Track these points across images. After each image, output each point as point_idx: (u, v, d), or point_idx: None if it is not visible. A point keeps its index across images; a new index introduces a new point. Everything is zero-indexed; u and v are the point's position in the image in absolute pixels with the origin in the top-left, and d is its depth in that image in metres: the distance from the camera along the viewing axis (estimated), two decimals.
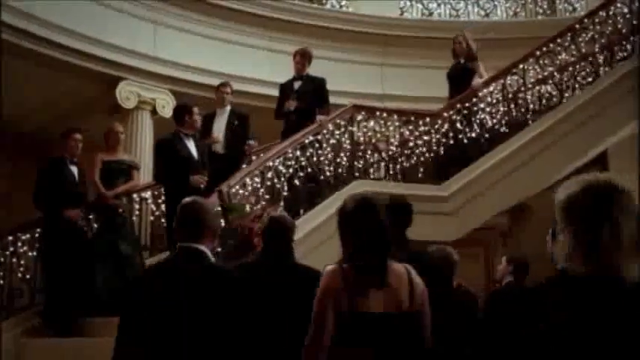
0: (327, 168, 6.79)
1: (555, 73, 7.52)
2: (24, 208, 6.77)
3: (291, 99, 7.00)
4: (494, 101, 7.45)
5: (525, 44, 7.97)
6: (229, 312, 2.47)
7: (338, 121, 6.99)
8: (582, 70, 7.52)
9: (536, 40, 7.87)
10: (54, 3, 7.69)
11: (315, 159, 6.69)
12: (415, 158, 7.16)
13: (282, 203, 6.27)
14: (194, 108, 6.47)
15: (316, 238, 5.88)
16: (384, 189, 6.16)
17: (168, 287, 2.53)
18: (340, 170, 6.85)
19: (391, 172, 7.14)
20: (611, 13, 7.64)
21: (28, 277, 6.40)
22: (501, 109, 7.43)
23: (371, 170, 7.10)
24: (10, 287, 6.35)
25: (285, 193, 6.40)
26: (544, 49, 7.58)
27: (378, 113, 7.28)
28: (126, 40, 8.42)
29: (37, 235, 6.43)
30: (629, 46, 7.53)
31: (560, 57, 7.58)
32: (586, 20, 7.73)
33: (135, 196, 7.06)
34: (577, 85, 7.47)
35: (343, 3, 10.44)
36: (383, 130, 7.23)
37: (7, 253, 6.40)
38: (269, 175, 6.32)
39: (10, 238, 6.44)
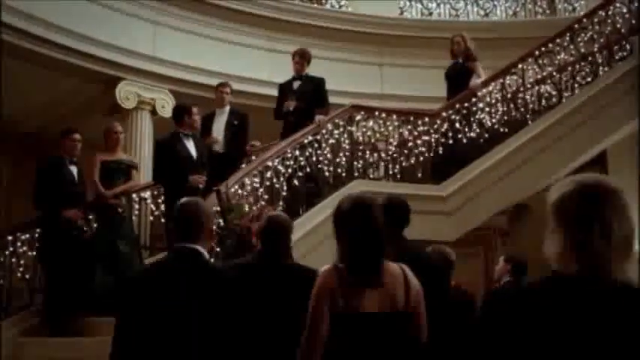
0: (326, 168, 6.80)
1: (554, 73, 7.53)
2: (24, 208, 6.78)
3: (290, 99, 7.00)
4: (494, 101, 7.45)
5: (524, 44, 7.97)
6: (224, 312, 2.48)
7: (337, 120, 6.99)
8: (581, 70, 7.53)
9: (535, 40, 7.87)
10: (54, 3, 7.68)
11: (314, 159, 6.70)
12: (414, 158, 7.16)
13: (281, 203, 6.28)
14: (193, 108, 6.49)
15: (315, 238, 5.86)
16: (383, 189, 6.14)
17: (164, 287, 2.54)
18: (339, 170, 6.85)
19: (390, 172, 7.14)
20: (610, 12, 7.64)
21: (27, 276, 6.41)
22: (500, 109, 7.43)
23: (370, 170, 7.11)
24: (10, 287, 6.36)
25: (284, 193, 6.42)
26: (543, 49, 7.59)
27: (377, 113, 7.28)
28: (125, 40, 8.41)
29: (36, 234, 6.44)
30: (628, 46, 7.54)
31: (559, 57, 7.58)
32: (585, 20, 7.73)
33: (134, 195, 7.07)
34: (576, 85, 7.47)
35: (342, 3, 10.42)
36: (382, 129, 7.23)
37: (7, 252, 6.40)
38: (268, 174, 6.33)
39: (10, 237, 6.44)
